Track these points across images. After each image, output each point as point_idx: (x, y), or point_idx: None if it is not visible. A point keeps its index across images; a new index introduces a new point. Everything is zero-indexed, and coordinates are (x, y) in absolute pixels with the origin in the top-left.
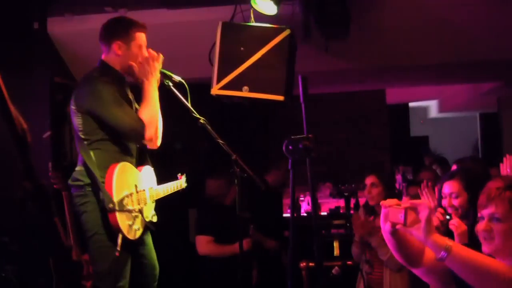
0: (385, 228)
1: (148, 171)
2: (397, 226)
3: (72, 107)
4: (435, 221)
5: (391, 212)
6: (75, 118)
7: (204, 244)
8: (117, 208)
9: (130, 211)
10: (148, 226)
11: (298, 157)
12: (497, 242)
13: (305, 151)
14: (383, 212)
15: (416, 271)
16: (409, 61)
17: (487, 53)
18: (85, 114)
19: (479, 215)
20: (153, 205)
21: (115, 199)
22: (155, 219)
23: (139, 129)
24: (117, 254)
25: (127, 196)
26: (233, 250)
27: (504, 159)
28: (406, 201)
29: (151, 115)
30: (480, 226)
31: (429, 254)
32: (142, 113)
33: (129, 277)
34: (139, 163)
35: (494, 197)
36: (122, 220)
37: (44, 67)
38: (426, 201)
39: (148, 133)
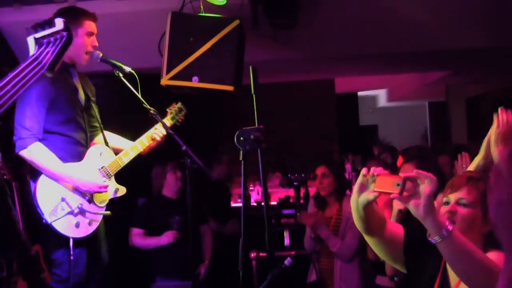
0: (357, 197)
1: (94, 151)
2: (391, 196)
3: None
4: (399, 205)
5: (382, 180)
6: None
7: (131, 237)
8: (49, 221)
9: (70, 213)
10: (103, 215)
11: (250, 148)
12: (459, 226)
13: (256, 142)
14: (359, 181)
15: (369, 240)
16: (357, 50)
17: (435, 42)
18: None
19: (443, 199)
20: (113, 180)
21: (46, 214)
22: (120, 193)
23: (24, 137)
24: (71, 258)
25: (60, 201)
26: (157, 242)
27: (459, 156)
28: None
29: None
30: (445, 209)
31: (391, 227)
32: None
33: (85, 263)
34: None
35: (467, 184)
36: (63, 227)
37: None
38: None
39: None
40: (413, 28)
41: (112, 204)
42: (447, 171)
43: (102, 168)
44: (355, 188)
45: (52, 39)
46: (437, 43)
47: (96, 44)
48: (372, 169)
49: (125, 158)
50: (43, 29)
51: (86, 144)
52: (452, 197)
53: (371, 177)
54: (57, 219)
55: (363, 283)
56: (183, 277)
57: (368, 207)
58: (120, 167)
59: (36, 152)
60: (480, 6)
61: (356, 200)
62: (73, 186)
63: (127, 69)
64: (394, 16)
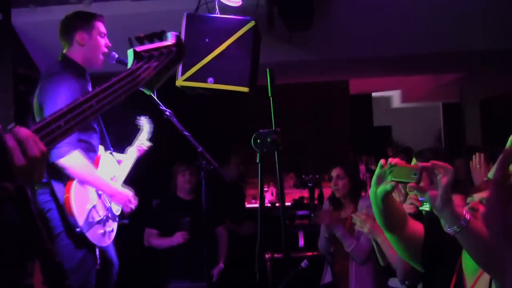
0: (375, 189)
1: (105, 160)
2: (409, 185)
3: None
4: (410, 208)
5: (399, 170)
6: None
7: (146, 237)
8: (85, 230)
9: (99, 222)
10: (119, 221)
11: (267, 150)
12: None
13: (273, 144)
14: (377, 173)
15: (389, 237)
16: (371, 52)
17: (449, 44)
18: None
19: (467, 199)
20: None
21: (80, 222)
22: None
23: (61, 146)
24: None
25: (91, 210)
26: (169, 243)
27: (474, 156)
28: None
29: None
30: (471, 205)
31: (412, 224)
32: None
33: (89, 269)
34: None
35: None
36: (94, 237)
37: (7, 58)
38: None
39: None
40: (427, 30)
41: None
42: (462, 174)
43: (114, 177)
44: (373, 180)
45: (156, 53)
46: (452, 45)
47: (109, 44)
48: (389, 159)
49: (128, 167)
50: (151, 41)
51: (98, 151)
52: (476, 197)
53: (388, 167)
54: (90, 228)
55: (377, 285)
56: (197, 279)
57: (387, 198)
58: (125, 174)
59: (76, 161)
60: (494, 8)
61: (375, 192)
62: (109, 194)
63: None
64: (408, 18)
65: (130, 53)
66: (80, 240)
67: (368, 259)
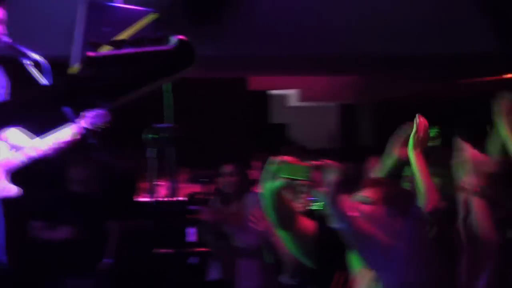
0: (267, 185)
1: None
2: (298, 182)
3: None
4: (301, 207)
5: (291, 168)
6: None
7: (31, 230)
8: None
9: None
10: None
11: (161, 145)
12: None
13: (166, 140)
14: (269, 170)
15: (281, 233)
16: (273, 51)
17: (344, 47)
18: None
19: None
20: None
21: None
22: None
23: None
24: None
25: None
26: (54, 236)
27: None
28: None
29: None
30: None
31: (303, 222)
32: None
33: None
34: None
35: (372, 185)
36: None
37: None
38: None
39: None
40: (323, 31)
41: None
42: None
43: None
44: (265, 176)
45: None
46: (347, 48)
47: (6, 32)
48: (281, 157)
49: (25, 156)
50: (141, 46)
51: None
52: (358, 195)
53: (280, 164)
54: None
55: (265, 281)
56: (85, 275)
57: (278, 195)
58: (17, 166)
59: None
60: (388, 13)
61: (266, 189)
62: None
63: (35, 56)
64: (307, 20)
65: None
66: None
67: (257, 253)
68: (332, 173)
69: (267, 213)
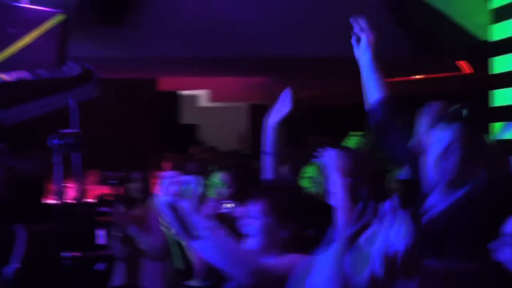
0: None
1: None
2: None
3: None
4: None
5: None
6: None
7: None
8: None
9: None
10: None
11: (66, 151)
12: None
13: (73, 146)
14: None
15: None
16: (182, 52)
17: (257, 48)
18: None
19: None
20: None
21: None
22: None
23: None
24: None
25: None
26: None
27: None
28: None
29: None
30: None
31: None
32: None
33: None
34: None
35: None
36: None
37: None
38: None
39: None
40: (236, 34)
41: None
42: None
43: None
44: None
45: None
46: (258, 49)
47: None
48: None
49: None
50: None
51: None
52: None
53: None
54: None
55: (171, 284)
56: None
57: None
58: None
59: None
60: (297, 15)
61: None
62: None
63: None
64: (218, 22)
65: None
66: None
67: (161, 256)
68: (194, 186)
69: (173, 223)
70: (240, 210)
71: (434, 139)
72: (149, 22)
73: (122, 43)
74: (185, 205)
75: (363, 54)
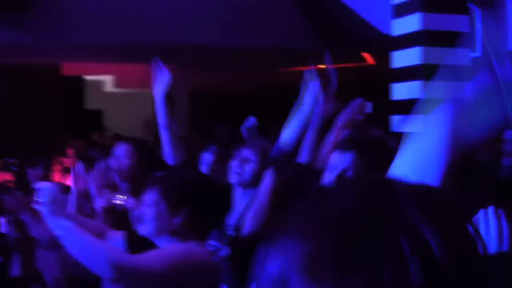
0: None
1: None
2: None
3: None
4: (103, 202)
5: None
6: None
7: None
8: None
9: None
10: None
11: None
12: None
13: None
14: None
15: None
16: (86, 39)
17: (161, 36)
18: None
19: None
20: None
21: None
22: None
23: None
24: None
25: None
26: None
27: None
28: None
29: None
30: None
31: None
32: None
33: None
34: None
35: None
36: None
37: None
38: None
39: None
40: (141, 21)
41: None
42: None
43: None
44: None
45: None
46: (162, 38)
47: None
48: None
49: None
50: None
51: None
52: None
53: None
54: None
55: (66, 272)
56: None
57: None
58: None
59: None
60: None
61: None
62: None
63: None
64: (124, 9)
65: None
66: None
67: (53, 245)
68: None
69: None
70: (132, 202)
71: (332, 162)
72: (54, 8)
73: (25, 28)
74: (42, 210)
75: (308, 97)
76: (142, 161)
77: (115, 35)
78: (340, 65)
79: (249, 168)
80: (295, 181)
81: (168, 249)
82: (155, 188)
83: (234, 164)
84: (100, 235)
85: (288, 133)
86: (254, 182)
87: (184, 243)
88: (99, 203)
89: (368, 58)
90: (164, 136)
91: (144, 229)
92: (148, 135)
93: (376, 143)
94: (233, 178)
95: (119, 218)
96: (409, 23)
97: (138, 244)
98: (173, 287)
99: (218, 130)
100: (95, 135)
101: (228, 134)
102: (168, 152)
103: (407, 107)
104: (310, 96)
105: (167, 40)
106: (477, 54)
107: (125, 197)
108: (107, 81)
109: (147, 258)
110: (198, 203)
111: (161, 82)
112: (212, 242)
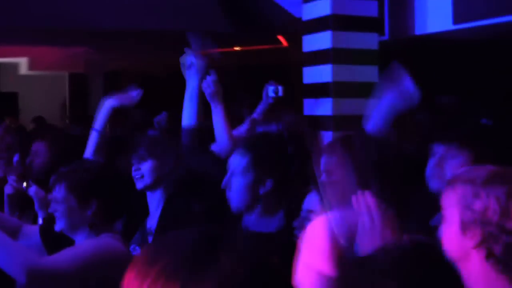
0: None
1: None
2: None
3: None
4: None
5: None
6: None
7: None
8: None
9: None
10: None
11: None
12: None
13: None
14: None
15: None
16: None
17: (76, 20)
18: None
19: None
20: None
21: None
22: None
23: None
24: None
25: None
26: None
27: None
28: None
29: None
30: None
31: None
32: None
33: None
34: None
35: None
36: None
37: None
38: None
39: None
40: (56, 4)
41: None
42: None
43: None
44: None
45: None
46: (76, 21)
47: None
48: None
49: None
50: None
51: None
52: None
53: None
54: None
55: None
56: None
57: None
58: None
59: None
60: None
61: None
62: None
63: None
64: None
65: None
66: None
67: None
68: None
69: None
70: (33, 189)
71: (230, 162)
72: None
73: None
74: None
75: (191, 78)
76: (58, 158)
77: (30, 17)
78: (254, 47)
79: (145, 168)
80: (200, 168)
81: (80, 247)
82: (62, 183)
83: (133, 170)
84: (15, 231)
85: (186, 117)
86: (157, 182)
87: (98, 237)
88: (7, 190)
89: (283, 40)
90: (94, 139)
91: (58, 226)
92: (64, 118)
93: (273, 143)
94: (138, 185)
95: (24, 204)
96: (319, 8)
97: (54, 240)
98: (89, 285)
99: (132, 113)
100: (9, 118)
101: (140, 118)
102: (90, 151)
103: (317, 90)
104: (193, 78)
105: (79, 24)
106: (385, 38)
107: (30, 185)
108: (22, 63)
109: (60, 260)
110: (105, 193)
111: (122, 100)
112: (134, 246)
